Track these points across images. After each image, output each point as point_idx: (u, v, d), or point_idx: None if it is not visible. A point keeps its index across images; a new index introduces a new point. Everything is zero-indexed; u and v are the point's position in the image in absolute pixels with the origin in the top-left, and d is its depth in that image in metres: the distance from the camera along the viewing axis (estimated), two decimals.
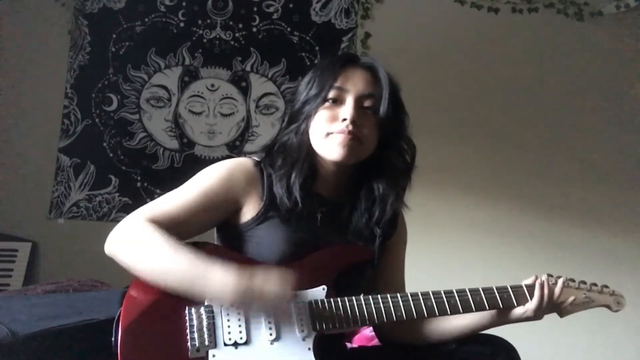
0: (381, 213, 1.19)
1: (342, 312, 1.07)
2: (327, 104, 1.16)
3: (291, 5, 3.14)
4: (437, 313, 1.11)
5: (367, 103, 1.16)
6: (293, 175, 1.14)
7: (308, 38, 3.13)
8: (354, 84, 1.16)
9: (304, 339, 1.04)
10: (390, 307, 1.10)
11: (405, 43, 3.09)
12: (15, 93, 3.05)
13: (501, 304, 1.15)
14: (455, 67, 3.10)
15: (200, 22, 3.12)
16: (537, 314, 1.15)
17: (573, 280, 1.23)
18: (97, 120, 3.04)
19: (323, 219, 1.19)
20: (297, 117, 1.19)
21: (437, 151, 3.01)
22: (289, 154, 1.17)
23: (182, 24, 3.12)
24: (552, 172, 3.02)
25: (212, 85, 3.09)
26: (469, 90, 3.09)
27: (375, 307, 1.09)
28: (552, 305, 1.17)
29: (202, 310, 1.02)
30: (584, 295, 1.21)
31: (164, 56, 3.09)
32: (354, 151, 1.14)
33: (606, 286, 1.25)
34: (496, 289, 1.16)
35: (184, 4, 3.13)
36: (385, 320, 1.09)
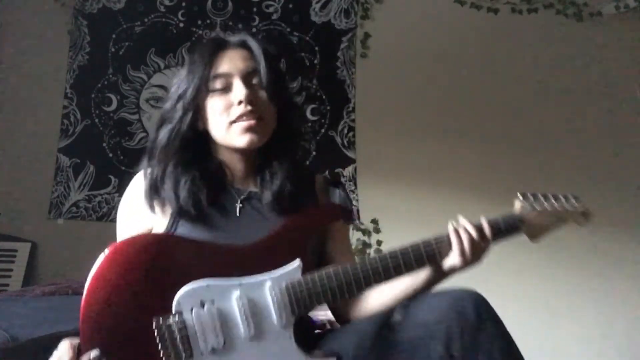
0: (283, 183, 1.14)
1: (319, 288, 1.00)
2: (215, 95, 1.13)
3: (291, 6, 3.14)
4: (414, 266, 1.05)
5: (254, 80, 1.14)
6: (183, 180, 1.11)
7: (307, 38, 3.13)
8: (234, 66, 1.13)
9: (284, 327, 0.99)
10: (369, 273, 1.02)
11: (404, 43, 3.09)
12: (15, 93, 3.05)
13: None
14: (454, 68, 3.10)
15: (200, 22, 3.12)
16: (466, 260, 1.07)
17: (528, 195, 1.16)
18: (96, 120, 3.04)
19: (242, 210, 1.15)
20: (171, 116, 1.15)
21: (435, 150, 3.02)
22: (172, 156, 1.15)
23: (181, 24, 3.12)
24: (551, 173, 3.02)
25: None
26: (468, 90, 3.09)
27: (353, 274, 1.02)
28: (477, 246, 1.10)
29: (171, 319, 0.95)
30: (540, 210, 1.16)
31: (164, 56, 3.09)
32: (260, 132, 1.12)
33: (575, 197, 1.17)
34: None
35: (183, 4, 3.13)
36: (363, 287, 1.02)
